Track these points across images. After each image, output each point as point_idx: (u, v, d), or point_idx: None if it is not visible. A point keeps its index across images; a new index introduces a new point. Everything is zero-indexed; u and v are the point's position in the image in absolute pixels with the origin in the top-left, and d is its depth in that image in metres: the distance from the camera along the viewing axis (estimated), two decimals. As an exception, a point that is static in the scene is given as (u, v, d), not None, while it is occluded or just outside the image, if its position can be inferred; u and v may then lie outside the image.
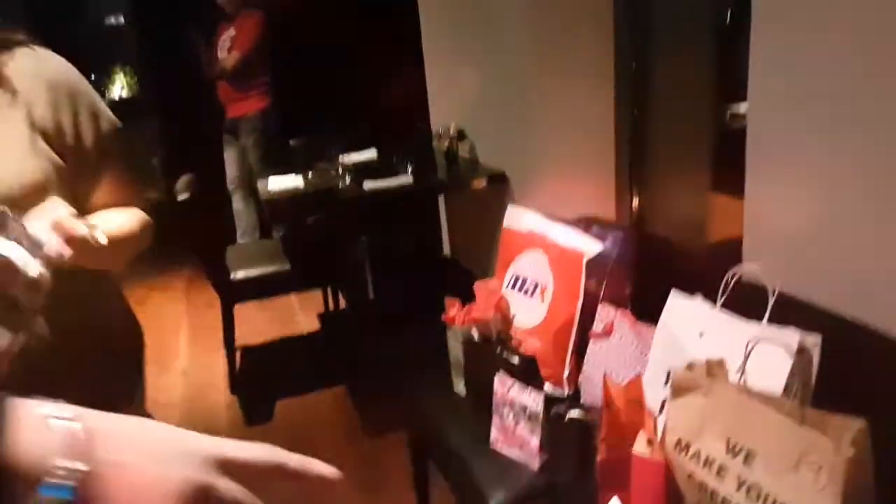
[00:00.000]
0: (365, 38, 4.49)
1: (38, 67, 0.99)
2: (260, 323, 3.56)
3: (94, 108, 1.05)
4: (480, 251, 2.72)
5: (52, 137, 0.98)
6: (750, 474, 0.87)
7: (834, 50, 1.23)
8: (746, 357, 0.93)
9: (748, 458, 0.88)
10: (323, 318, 3.57)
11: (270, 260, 3.00)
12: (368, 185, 2.67)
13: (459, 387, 1.47)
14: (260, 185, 2.90)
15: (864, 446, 0.81)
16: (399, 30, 3.64)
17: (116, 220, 1.04)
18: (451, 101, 3.35)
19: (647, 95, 2.43)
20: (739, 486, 0.88)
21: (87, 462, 0.37)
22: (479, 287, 1.50)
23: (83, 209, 1.03)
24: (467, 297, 1.50)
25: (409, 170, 2.79)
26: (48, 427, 0.38)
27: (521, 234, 1.53)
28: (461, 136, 3.03)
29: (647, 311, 1.20)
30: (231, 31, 4.14)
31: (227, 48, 4.14)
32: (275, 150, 3.97)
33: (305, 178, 2.85)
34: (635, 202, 2.50)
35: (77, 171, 1.02)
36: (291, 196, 2.72)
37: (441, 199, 3.48)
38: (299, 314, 3.73)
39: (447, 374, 1.49)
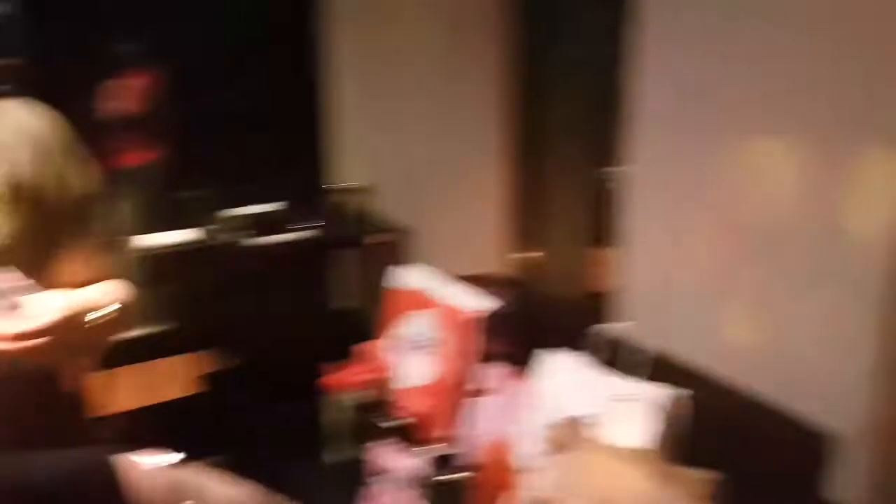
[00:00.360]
0: (263, 91, 4.48)
1: (24, 122, 0.96)
2: (131, 389, 3.35)
3: (79, 166, 1.00)
4: (377, 308, 2.71)
5: (32, 195, 0.93)
6: (617, 532, 0.89)
7: (699, 117, 1.33)
8: (613, 413, 0.96)
9: (615, 515, 0.89)
10: (203, 382, 3.40)
11: (149, 321, 2.84)
12: (263, 239, 2.61)
13: (337, 453, 1.44)
14: (144, 239, 2.78)
15: (713, 497, 0.85)
16: (301, 82, 3.66)
17: (93, 298, 0.94)
18: (351, 155, 3.38)
19: (541, 153, 2.58)
20: (607, 544, 0.89)
21: None
22: (363, 349, 1.49)
23: (57, 276, 0.96)
24: (356, 358, 1.49)
25: (308, 224, 2.77)
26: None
27: (411, 293, 1.54)
28: (361, 190, 3.05)
29: (531, 367, 1.22)
30: (125, 82, 4.05)
31: (120, 99, 4.03)
32: (162, 204, 3.84)
33: (196, 232, 2.77)
34: (528, 260, 2.60)
35: (54, 231, 0.96)
36: (181, 251, 2.63)
37: (340, 254, 3.46)
38: (176, 379, 3.54)
39: (326, 440, 1.46)
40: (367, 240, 2.79)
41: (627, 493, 0.89)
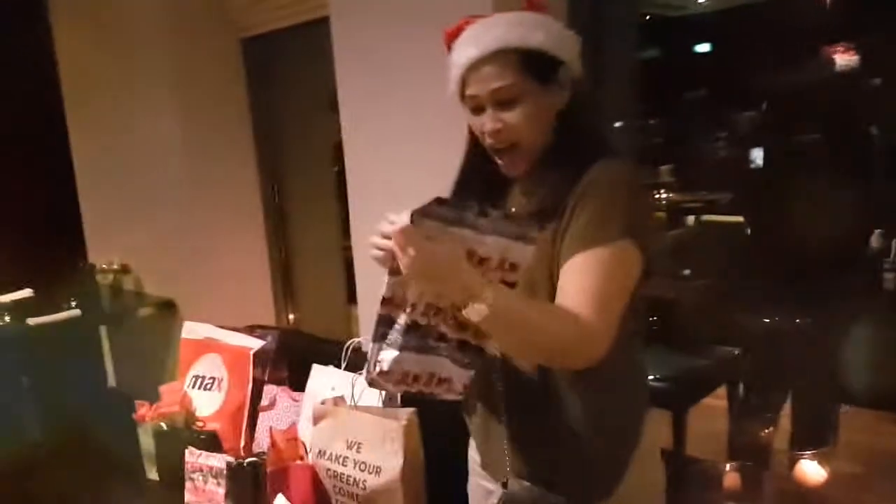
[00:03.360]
0: (11, 174, 4.03)
1: None
2: None
3: None
4: (147, 377, 2.67)
5: None
6: (360, 456, 1.45)
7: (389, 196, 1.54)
8: (353, 390, 1.50)
9: (360, 448, 1.45)
10: None
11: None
12: (33, 320, 2.76)
13: (152, 473, 1.78)
14: None
15: (413, 421, 1.44)
16: (50, 165, 3.72)
17: None
18: (110, 235, 3.52)
19: (290, 228, 3.18)
20: (356, 465, 1.44)
21: None
22: (164, 389, 1.87)
23: None
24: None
25: (73, 304, 2.93)
26: None
27: (197, 342, 1.94)
28: (125, 269, 3.28)
29: (302, 383, 1.70)
30: None
31: None
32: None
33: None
34: (290, 312, 3.17)
35: None
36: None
37: (104, 332, 3.41)
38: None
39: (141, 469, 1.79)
40: (142, 313, 3.00)
41: (365, 431, 1.44)
